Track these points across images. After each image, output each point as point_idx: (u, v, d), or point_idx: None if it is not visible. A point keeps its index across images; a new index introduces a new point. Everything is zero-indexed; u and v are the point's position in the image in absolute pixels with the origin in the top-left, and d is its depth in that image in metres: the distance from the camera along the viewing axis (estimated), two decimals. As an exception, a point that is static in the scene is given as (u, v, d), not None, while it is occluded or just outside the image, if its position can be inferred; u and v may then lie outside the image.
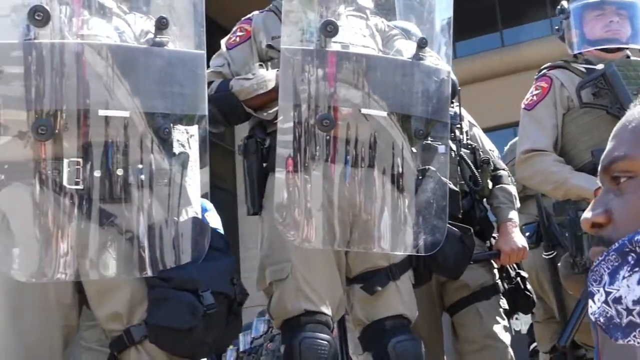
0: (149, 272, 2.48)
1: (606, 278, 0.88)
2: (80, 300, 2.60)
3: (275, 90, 2.90)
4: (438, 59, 2.98)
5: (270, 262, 2.99)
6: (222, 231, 3.34)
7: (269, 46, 3.12)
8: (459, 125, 3.81)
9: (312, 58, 2.76)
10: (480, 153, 3.82)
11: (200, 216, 2.63)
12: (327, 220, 2.85)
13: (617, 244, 0.88)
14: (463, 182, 3.66)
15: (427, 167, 2.97)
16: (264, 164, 3.03)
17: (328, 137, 2.80)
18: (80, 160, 2.40)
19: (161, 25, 2.46)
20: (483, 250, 3.75)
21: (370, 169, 2.87)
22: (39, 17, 2.32)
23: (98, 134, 2.40)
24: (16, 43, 2.35)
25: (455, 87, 3.20)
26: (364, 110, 2.82)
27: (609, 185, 0.94)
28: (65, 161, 2.40)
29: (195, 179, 2.67)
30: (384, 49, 3.10)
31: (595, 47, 3.48)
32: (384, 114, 2.84)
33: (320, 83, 2.76)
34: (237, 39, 3.17)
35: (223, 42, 3.20)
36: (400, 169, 2.91)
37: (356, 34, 3.04)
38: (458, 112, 3.85)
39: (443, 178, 2.98)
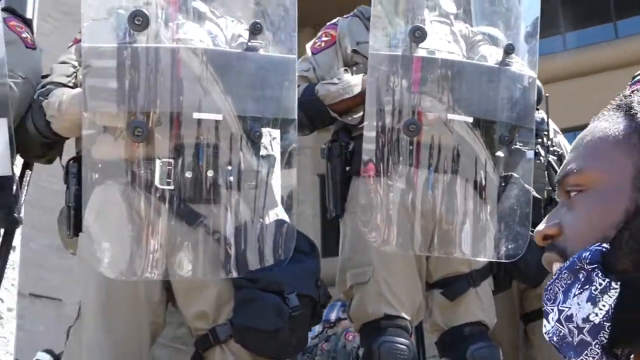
0: (235, 274, 2.52)
1: (560, 296, 0.88)
2: (167, 298, 2.65)
3: (360, 95, 2.92)
4: (523, 65, 2.97)
5: (351, 265, 3.01)
6: None
7: (354, 51, 3.13)
8: (546, 132, 3.79)
9: (399, 63, 2.78)
10: None
11: (286, 218, 2.66)
12: (409, 224, 2.86)
13: (568, 262, 0.87)
14: (550, 188, 3.65)
15: (511, 173, 2.96)
16: (347, 168, 3.05)
17: (412, 143, 2.82)
18: (171, 160, 2.46)
19: (255, 30, 2.51)
20: None
21: (453, 175, 2.87)
22: (138, 21, 2.38)
23: (191, 135, 2.46)
24: (116, 47, 2.41)
25: (540, 93, 3.17)
26: (450, 116, 2.82)
27: (563, 198, 0.94)
28: (158, 161, 2.45)
29: (278, 181, 2.71)
30: (468, 54, 3.09)
31: None
32: (470, 119, 2.84)
33: (407, 89, 2.77)
34: (323, 44, 3.19)
35: (308, 46, 3.23)
36: (483, 176, 2.90)
37: (441, 40, 3.04)
38: (545, 118, 3.83)
39: (527, 185, 2.96)
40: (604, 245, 0.86)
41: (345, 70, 3.06)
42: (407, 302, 2.94)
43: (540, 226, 0.95)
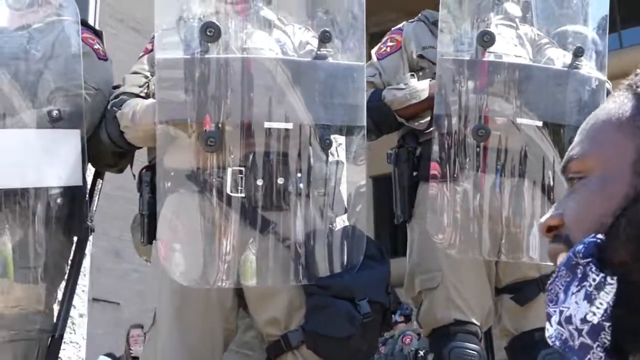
0: (306, 280, 2.53)
1: (561, 296, 0.80)
2: (238, 304, 2.68)
3: (427, 100, 2.91)
4: (592, 68, 2.94)
5: (420, 270, 3.00)
6: None
7: (420, 56, 3.12)
8: None
9: (466, 68, 2.77)
10: None
11: (356, 224, 2.67)
12: (478, 229, 2.85)
13: (565, 258, 0.80)
14: None
15: None
16: (415, 173, 3.04)
17: (479, 147, 2.81)
18: (242, 169, 2.48)
19: (324, 38, 2.52)
20: None
21: (520, 179, 2.85)
22: (210, 32, 2.41)
23: (261, 144, 2.48)
24: (187, 58, 2.44)
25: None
26: (518, 120, 2.80)
27: (567, 186, 0.88)
28: (229, 170, 2.48)
29: (345, 188, 2.73)
30: (535, 57, 3.07)
31: None
32: (539, 123, 2.82)
33: (474, 93, 2.77)
34: (388, 49, 3.19)
35: (373, 52, 3.23)
36: (551, 181, 2.88)
37: (508, 43, 3.02)
38: None
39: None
40: (599, 236, 0.79)
41: (412, 75, 3.05)
42: (476, 307, 2.92)
43: (544, 217, 0.88)
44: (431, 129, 2.88)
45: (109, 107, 2.80)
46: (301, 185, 2.54)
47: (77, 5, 5.41)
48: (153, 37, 2.86)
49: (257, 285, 2.54)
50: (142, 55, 2.93)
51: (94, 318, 9.11)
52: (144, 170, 2.75)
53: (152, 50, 2.82)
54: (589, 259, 0.78)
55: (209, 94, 2.42)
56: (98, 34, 3.21)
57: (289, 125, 2.47)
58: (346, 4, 2.64)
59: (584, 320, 0.76)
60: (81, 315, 3.51)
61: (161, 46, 2.55)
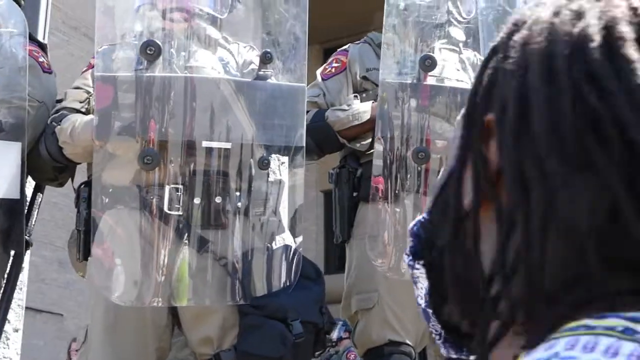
0: (242, 300, 2.53)
1: None
2: (173, 322, 2.66)
3: (369, 121, 2.94)
4: None
5: (357, 290, 3.02)
6: None
7: (364, 78, 3.16)
8: None
9: (408, 91, 2.80)
10: None
11: (293, 244, 2.68)
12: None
13: None
14: None
15: None
16: (355, 194, 3.06)
17: (420, 169, 2.83)
18: (181, 187, 2.48)
19: (265, 59, 2.54)
20: None
21: None
22: (150, 51, 2.41)
23: (200, 162, 2.48)
24: (127, 75, 2.43)
25: None
26: None
27: None
28: (167, 187, 2.47)
29: (285, 206, 2.73)
30: (477, 82, 3.11)
31: None
32: None
33: (416, 116, 2.79)
34: (333, 69, 3.22)
35: (318, 72, 3.25)
36: None
37: (450, 68, 3.06)
38: None
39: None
40: (424, 214, 0.72)
41: (355, 96, 3.08)
42: (411, 328, 2.94)
43: None
44: (372, 150, 2.91)
45: (48, 121, 2.79)
46: (239, 204, 2.54)
47: (28, 10, 5.35)
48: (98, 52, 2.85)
49: (192, 305, 2.53)
50: (85, 70, 2.92)
51: (36, 329, 8.98)
52: (82, 186, 2.73)
53: (94, 65, 2.81)
54: (411, 239, 0.72)
55: (147, 112, 2.41)
56: (43, 47, 3.19)
57: (227, 145, 2.47)
58: (288, 26, 2.65)
59: (418, 304, 0.71)
60: (16, 330, 3.45)
61: (101, 63, 2.53)
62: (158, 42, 2.43)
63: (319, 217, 13.76)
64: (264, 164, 2.52)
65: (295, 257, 2.63)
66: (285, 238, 2.68)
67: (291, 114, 2.56)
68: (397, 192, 2.80)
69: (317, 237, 13.75)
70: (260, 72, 2.55)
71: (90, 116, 2.66)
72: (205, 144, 2.46)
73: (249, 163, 2.54)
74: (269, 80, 2.55)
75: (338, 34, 14.84)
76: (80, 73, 2.99)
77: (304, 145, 2.60)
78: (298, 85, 2.58)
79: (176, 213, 2.48)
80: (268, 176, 2.62)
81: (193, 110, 2.45)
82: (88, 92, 2.80)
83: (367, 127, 2.97)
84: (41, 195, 3.07)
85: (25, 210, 2.96)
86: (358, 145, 3.05)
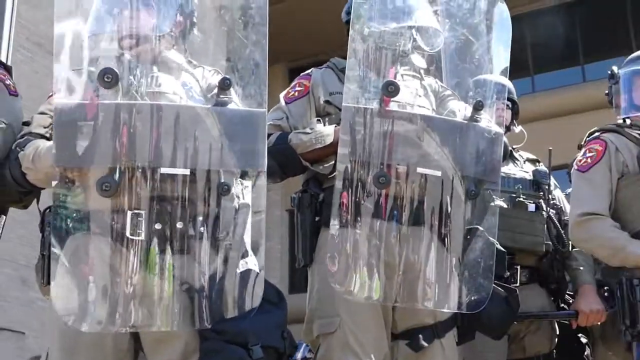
0: (203, 325, 2.53)
1: None
2: (136, 347, 2.66)
3: (332, 145, 2.97)
4: (491, 121, 3.03)
5: (318, 315, 3.03)
6: None
7: (327, 102, 3.19)
8: (547, 185, 3.91)
9: (371, 116, 2.82)
10: (565, 214, 3.90)
11: (256, 268, 2.69)
12: (375, 275, 2.89)
13: None
14: (549, 242, 3.77)
15: (476, 226, 3.01)
16: (317, 218, 3.09)
17: (380, 193, 2.86)
18: (142, 212, 2.48)
19: (224, 85, 2.55)
20: (553, 309, 3.90)
21: (419, 226, 2.91)
22: (108, 79, 2.42)
23: (161, 188, 2.48)
24: (84, 103, 2.45)
25: (506, 149, 3.25)
26: (418, 169, 2.86)
27: None
28: (129, 213, 2.47)
29: (249, 230, 2.74)
30: (438, 109, 3.16)
31: None
32: (439, 173, 2.88)
33: (378, 141, 2.81)
34: (296, 93, 3.25)
35: (281, 96, 3.28)
36: (449, 228, 2.95)
37: (412, 94, 3.10)
38: (548, 172, 3.96)
39: (491, 238, 3.02)
40: None
41: (318, 120, 3.11)
42: (373, 352, 2.96)
43: None
44: (334, 173, 2.93)
45: (13, 147, 2.81)
46: (201, 229, 2.54)
47: (-8, 27, 5.31)
48: None
49: (153, 330, 2.53)
50: (50, 96, 2.91)
51: (-3, 347, 8.86)
52: (47, 211, 2.73)
53: None
54: None
55: (105, 139, 2.41)
56: (8, 70, 3.21)
57: (185, 172, 2.48)
58: (247, 52, 2.67)
59: None
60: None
61: (59, 89, 2.51)
62: (115, 69, 2.44)
63: (284, 236, 13.75)
64: (224, 190, 2.53)
65: (257, 281, 2.64)
66: (248, 262, 2.69)
67: (252, 139, 2.57)
68: (357, 216, 2.82)
69: (282, 256, 13.76)
70: (219, 98, 2.56)
71: (51, 142, 2.66)
72: (163, 170, 2.46)
73: (208, 189, 2.55)
74: (228, 106, 2.56)
75: (303, 53, 14.96)
76: (44, 91, 2.99)
77: (265, 169, 2.61)
78: (258, 110, 2.59)
79: (138, 238, 2.48)
80: (232, 199, 2.62)
81: (151, 136, 2.44)
82: (52, 118, 2.79)
83: (330, 151, 3.00)
84: (4, 217, 3.06)
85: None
86: (320, 168, 3.08)
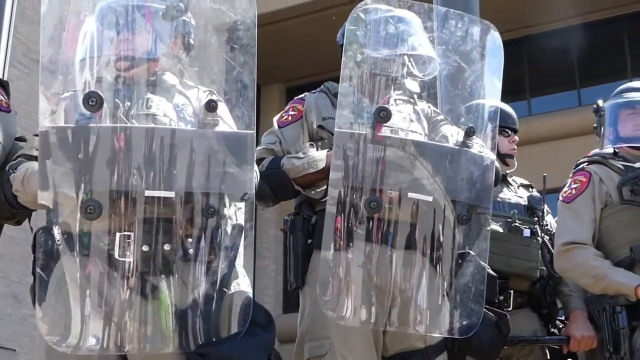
0: (188, 348, 2.53)
1: None
2: None
3: (324, 170, 2.99)
4: (483, 147, 3.06)
5: (310, 337, 3.04)
6: None
7: (320, 126, 3.22)
8: (541, 211, 3.94)
9: (364, 142, 2.85)
10: None
11: (245, 290, 2.69)
12: (367, 299, 2.91)
13: None
14: (544, 267, 3.80)
15: (467, 251, 3.03)
16: (309, 241, 3.10)
17: (372, 218, 2.88)
18: (130, 234, 2.49)
19: (210, 107, 2.57)
20: (545, 334, 3.92)
21: (411, 251, 2.92)
22: (92, 102, 2.44)
23: (146, 211, 2.49)
24: (69, 127, 2.48)
25: (498, 175, 3.27)
26: (410, 194, 2.88)
27: None
28: (117, 235, 2.48)
29: (241, 251, 2.75)
30: (430, 134, 3.18)
31: (627, 145, 3.55)
32: (430, 198, 2.90)
33: (370, 166, 2.83)
34: (289, 117, 3.28)
35: (275, 120, 3.30)
36: (440, 253, 2.96)
37: (405, 119, 3.12)
38: (542, 197, 3.99)
39: (482, 263, 3.04)
40: None
41: (311, 144, 3.14)
42: None
43: None
44: (326, 198, 2.95)
45: (7, 168, 2.81)
46: (190, 251, 2.56)
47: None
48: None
49: (139, 352, 2.53)
50: None
51: (-12, 364, 8.82)
52: (39, 232, 2.73)
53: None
54: None
55: (90, 163, 2.42)
56: (3, 85, 3.20)
57: (170, 194, 2.49)
58: (235, 74, 2.70)
59: None
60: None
61: (44, 112, 2.53)
62: (99, 92, 2.45)
63: (278, 255, 13.75)
64: (209, 212, 2.55)
65: (246, 304, 2.64)
66: (240, 283, 2.70)
67: (239, 161, 2.57)
68: (349, 240, 2.84)
69: (276, 275, 13.75)
70: (206, 120, 2.58)
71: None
72: (147, 193, 2.47)
73: (197, 211, 2.56)
74: (214, 128, 2.57)
75: (300, 73, 15.02)
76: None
77: (253, 192, 2.63)
78: (245, 132, 2.61)
79: (126, 260, 2.49)
80: (224, 221, 2.63)
81: (136, 159, 2.45)
82: None
83: (322, 175, 3.02)
84: None
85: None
86: (313, 192, 3.10)
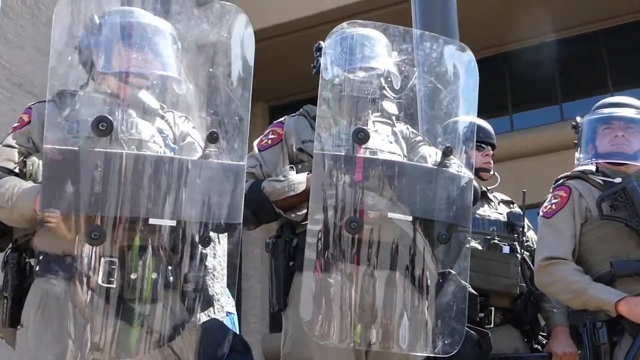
0: None
1: None
2: None
3: (305, 192, 3.01)
4: (461, 166, 3.09)
5: (292, 359, 3.05)
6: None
7: (300, 149, 3.24)
8: (521, 227, 3.97)
9: (342, 163, 2.87)
10: None
11: (224, 317, 2.72)
12: (349, 319, 2.92)
13: None
14: (523, 284, 3.82)
15: (448, 270, 3.06)
16: (291, 263, 3.12)
17: (353, 239, 2.90)
18: (115, 260, 2.50)
19: (212, 139, 2.60)
20: (527, 351, 3.93)
21: (392, 271, 2.95)
22: (102, 127, 2.45)
23: (140, 238, 2.51)
24: (75, 149, 2.47)
25: (477, 194, 3.30)
26: (390, 214, 2.91)
27: None
28: (103, 260, 2.49)
29: (224, 276, 2.77)
30: (409, 154, 3.21)
31: (604, 160, 3.58)
32: (409, 218, 2.93)
33: (349, 187, 2.86)
34: (269, 141, 3.30)
35: (255, 143, 3.33)
36: (421, 272, 2.99)
37: (383, 140, 3.16)
38: (522, 213, 4.02)
39: (463, 282, 3.06)
40: None
41: (291, 167, 3.16)
42: None
43: None
44: (307, 220, 2.97)
45: None
46: (171, 278, 2.57)
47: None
48: (28, 108, 2.86)
49: None
50: (18, 127, 2.87)
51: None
52: (9, 252, 2.72)
53: (28, 122, 2.82)
54: None
55: (93, 187, 2.42)
56: None
57: (172, 223, 2.51)
58: (233, 107, 2.73)
59: None
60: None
61: (49, 132, 2.54)
62: (110, 117, 2.47)
63: (264, 274, 13.71)
64: (205, 241, 2.58)
65: (225, 332, 2.67)
66: (216, 312, 2.72)
67: (232, 192, 2.61)
68: (330, 261, 2.86)
69: (262, 295, 13.70)
70: (207, 151, 2.61)
71: (30, 183, 2.66)
72: (152, 221, 2.48)
73: (189, 239, 2.58)
74: (211, 159, 2.61)
75: (284, 92, 15.04)
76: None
77: (242, 221, 2.66)
78: (239, 164, 2.66)
79: (110, 286, 2.50)
80: (207, 249, 2.66)
81: (138, 186, 2.47)
82: (22, 153, 2.78)
83: (303, 198, 3.05)
84: None
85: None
86: (294, 215, 3.12)
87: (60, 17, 2.65)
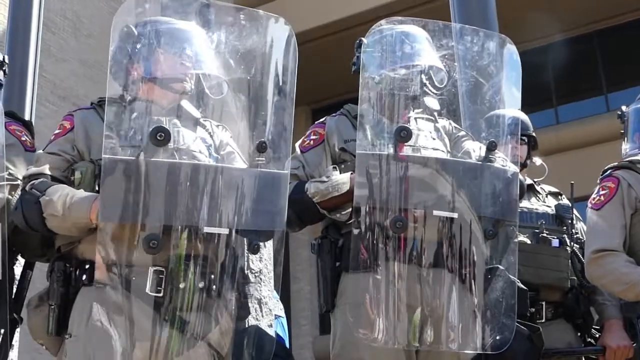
0: None
1: None
2: None
3: (349, 192, 3.00)
4: (506, 160, 3.06)
5: (342, 360, 3.05)
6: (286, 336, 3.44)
7: (342, 149, 3.22)
8: (570, 219, 3.91)
9: (386, 162, 2.86)
10: None
11: (273, 320, 2.73)
12: (398, 319, 2.90)
13: None
14: (574, 277, 3.77)
15: (496, 265, 3.02)
16: (337, 263, 3.11)
17: (398, 237, 2.88)
18: (163, 269, 2.52)
19: (261, 148, 2.65)
20: (580, 345, 3.88)
21: (439, 268, 2.92)
22: (160, 137, 2.49)
23: (188, 247, 2.52)
24: (134, 159, 2.49)
25: (523, 188, 3.26)
26: (435, 212, 2.89)
27: None
28: (151, 269, 2.51)
29: (270, 279, 2.78)
30: (452, 150, 3.19)
31: None
32: (455, 215, 2.91)
33: (394, 186, 2.85)
34: (311, 142, 3.29)
35: (297, 145, 3.32)
36: (469, 269, 2.96)
37: (426, 137, 3.13)
38: (571, 205, 3.96)
39: (512, 277, 3.03)
40: None
41: (334, 167, 3.14)
42: None
43: None
44: (352, 220, 2.96)
45: (27, 187, 2.71)
46: (215, 286, 2.59)
47: (16, 87, 5.43)
48: (69, 115, 2.89)
49: None
50: (60, 134, 2.87)
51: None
52: (55, 261, 2.74)
53: (70, 129, 2.84)
54: None
55: (155, 196, 2.45)
56: (27, 126, 3.25)
57: (224, 231, 2.52)
58: (277, 116, 2.74)
59: None
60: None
61: (108, 141, 2.55)
62: (167, 128, 2.51)
63: (313, 276, 13.72)
64: (254, 248, 2.60)
65: (268, 339, 2.69)
66: (261, 319, 2.73)
67: (277, 200, 2.65)
68: (378, 261, 2.85)
69: (312, 297, 13.72)
70: (255, 161, 2.64)
71: (83, 192, 2.66)
72: (207, 229, 2.50)
73: (239, 247, 2.59)
74: (258, 168, 2.65)
75: (326, 94, 15.04)
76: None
77: (284, 229, 2.69)
78: (284, 172, 2.70)
79: (157, 295, 2.52)
80: (254, 257, 2.68)
81: (195, 196, 2.49)
82: (68, 161, 2.80)
83: (347, 198, 3.02)
84: (31, 272, 3.10)
85: (15, 289, 3.00)
86: (338, 215, 3.10)
87: (117, 27, 2.70)
